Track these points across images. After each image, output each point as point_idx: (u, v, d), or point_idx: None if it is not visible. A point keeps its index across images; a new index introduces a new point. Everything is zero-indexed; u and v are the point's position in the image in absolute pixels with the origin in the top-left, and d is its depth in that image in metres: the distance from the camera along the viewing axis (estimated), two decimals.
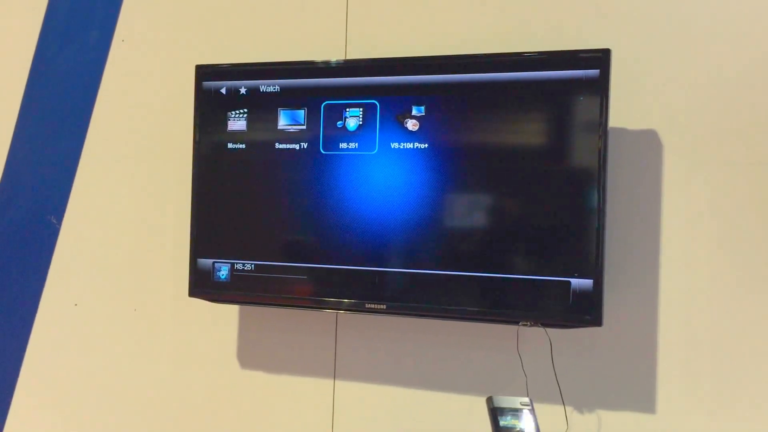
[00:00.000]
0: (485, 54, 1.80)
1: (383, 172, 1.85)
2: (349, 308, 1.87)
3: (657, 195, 1.76)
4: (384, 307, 1.83)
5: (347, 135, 1.87)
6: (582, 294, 1.67)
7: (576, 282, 1.68)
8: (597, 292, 1.66)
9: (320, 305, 1.90)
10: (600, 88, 1.68)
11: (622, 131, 1.78)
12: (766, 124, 1.68)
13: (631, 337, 1.77)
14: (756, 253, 1.68)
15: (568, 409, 1.80)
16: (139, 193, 2.24)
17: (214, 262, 1.98)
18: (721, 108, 1.72)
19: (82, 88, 2.31)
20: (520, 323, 1.72)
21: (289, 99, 1.92)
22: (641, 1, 1.78)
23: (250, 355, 2.11)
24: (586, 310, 1.67)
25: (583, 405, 1.80)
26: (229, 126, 1.97)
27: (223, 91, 1.98)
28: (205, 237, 2.00)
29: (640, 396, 1.76)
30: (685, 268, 1.74)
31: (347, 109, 1.87)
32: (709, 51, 1.73)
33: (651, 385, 1.76)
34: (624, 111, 1.77)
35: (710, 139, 1.73)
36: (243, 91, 1.96)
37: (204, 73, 2.00)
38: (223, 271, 1.97)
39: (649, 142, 1.77)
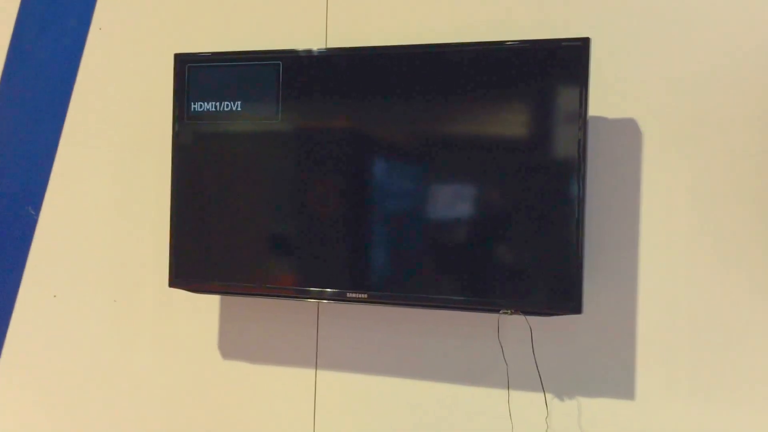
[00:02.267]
0: (464, 43, 1.80)
1: (363, 162, 1.85)
2: (330, 298, 1.86)
3: (636, 183, 1.77)
4: (366, 296, 1.83)
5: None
6: (562, 282, 1.68)
7: (556, 270, 1.69)
8: (577, 279, 1.68)
9: (302, 295, 1.89)
10: (580, 76, 1.68)
11: (601, 120, 1.79)
12: (743, 115, 1.70)
13: (610, 325, 1.78)
14: (734, 242, 1.70)
15: (548, 395, 1.81)
16: (118, 183, 2.22)
17: (194, 252, 1.97)
18: (700, 97, 1.73)
19: (60, 77, 2.28)
20: (501, 311, 1.73)
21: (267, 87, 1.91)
22: None
23: (232, 346, 2.11)
24: (566, 298, 1.69)
25: (563, 392, 1.82)
26: (206, 114, 1.96)
27: None
28: (186, 226, 1.98)
29: (619, 382, 1.78)
30: (663, 256, 1.75)
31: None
32: (687, 40, 1.74)
33: (630, 372, 1.77)
34: (603, 100, 1.78)
35: (689, 129, 1.74)
36: None
37: (183, 61, 1.99)
38: (204, 261, 1.97)
39: (628, 131, 1.78)
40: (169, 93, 2.00)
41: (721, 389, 1.71)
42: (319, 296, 1.87)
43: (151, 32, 2.19)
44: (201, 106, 1.97)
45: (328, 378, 2.01)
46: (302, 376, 2.03)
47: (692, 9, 1.73)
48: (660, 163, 1.76)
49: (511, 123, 1.76)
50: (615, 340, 1.78)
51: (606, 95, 1.77)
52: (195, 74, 1.98)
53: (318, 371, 2.02)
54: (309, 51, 1.89)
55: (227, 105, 1.95)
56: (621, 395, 1.78)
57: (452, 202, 1.78)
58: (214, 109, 1.96)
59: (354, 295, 1.84)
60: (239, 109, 1.94)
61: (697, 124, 1.73)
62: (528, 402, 1.82)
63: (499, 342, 1.80)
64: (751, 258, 1.69)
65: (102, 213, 2.23)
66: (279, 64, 1.90)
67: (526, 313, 1.73)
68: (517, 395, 1.83)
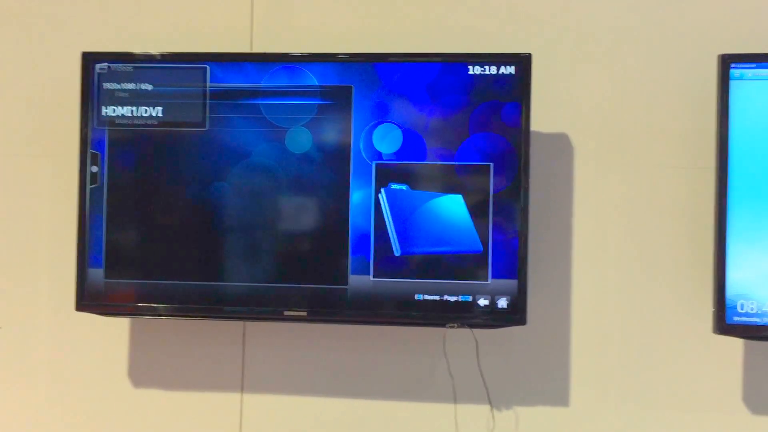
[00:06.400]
0: (401, 54, 1.77)
1: (295, 174, 1.77)
2: (266, 317, 1.77)
3: (569, 197, 1.83)
4: (305, 314, 1.75)
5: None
6: (508, 293, 1.70)
7: (502, 281, 1.70)
8: (522, 291, 1.70)
9: (233, 315, 1.78)
10: (521, 91, 1.71)
11: (534, 134, 1.82)
12: (669, 130, 1.80)
13: (546, 335, 1.82)
14: (661, 253, 1.80)
15: (487, 406, 1.82)
16: (7, 193, 1.97)
17: (105, 270, 1.79)
18: (628, 114, 1.82)
19: None
20: (447, 325, 1.72)
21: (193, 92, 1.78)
22: (552, 7, 1.84)
23: (144, 372, 1.93)
24: (511, 310, 1.70)
25: (503, 401, 1.83)
26: (120, 120, 1.79)
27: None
28: (94, 243, 1.79)
29: (555, 390, 1.82)
30: (595, 268, 1.82)
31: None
32: (617, 58, 1.82)
33: (565, 380, 1.82)
34: (536, 115, 1.81)
35: (618, 144, 1.82)
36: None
37: (92, 60, 1.80)
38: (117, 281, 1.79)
39: (560, 146, 1.84)
40: (74, 95, 1.81)
41: (647, 393, 1.80)
42: (254, 315, 1.77)
43: (52, 27, 1.96)
44: (114, 110, 1.80)
45: (256, 401, 1.90)
46: (226, 401, 1.90)
47: (623, 30, 1.82)
48: (591, 177, 1.83)
49: (450, 136, 1.74)
50: (550, 349, 1.83)
51: (539, 110, 1.81)
52: (106, 75, 1.80)
53: (244, 395, 1.90)
54: (242, 55, 1.79)
55: (146, 110, 1.79)
56: (556, 402, 1.83)
57: (401, 215, 1.74)
58: (129, 114, 1.80)
59: (292, 313, 1.75)
60: (160, 115, 1.79)
61: (626, 140, 1.82)
62: (472, 414, 1.82)
63: (445, 356, 1.79)
64: (678, 268, 1.79)
65: None
66: (206, 68, 1.78)
67: (472, 326, 1.73)
68: (462, 408, 1.82)
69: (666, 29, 1.81)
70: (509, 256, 1.71)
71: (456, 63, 1.73)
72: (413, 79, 1.74)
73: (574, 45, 1.83)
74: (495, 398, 1.82)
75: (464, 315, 1.71)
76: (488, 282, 1.71)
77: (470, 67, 1.73)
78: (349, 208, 1.74)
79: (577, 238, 1.83)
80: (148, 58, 1.80)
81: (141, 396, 1.93)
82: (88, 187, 1.78)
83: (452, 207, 1.72)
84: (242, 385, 1.90)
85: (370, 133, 1.74)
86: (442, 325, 1.73)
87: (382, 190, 1.73)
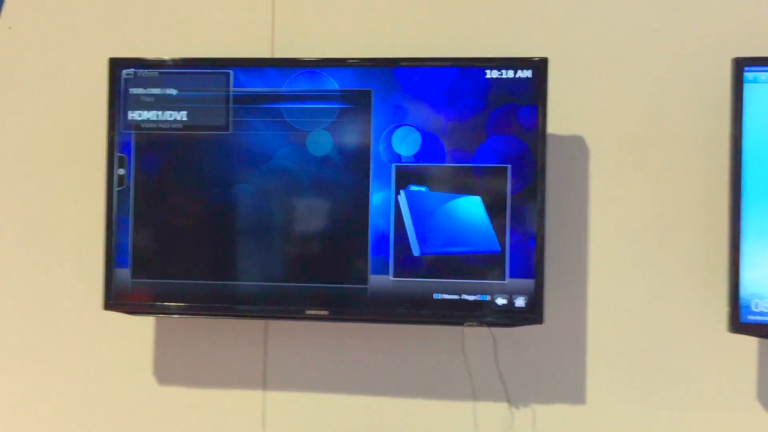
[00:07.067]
0: (419, 58, 1.81)
1: (316, 176, 1.81)
2: (288, 316, 1.81)
3: (585, 198, 1.86)
4: (327, 313, 1.79)
5: None
6: (525, 293, 1.73)
7: (519, 281, 1.74)
8: (539, 291, 1.73)
9: (256, 314, 1.83)
10: (538, 94, 1.74)
11: (551, 137, 1.85)
12: (682, 133, 1.83)
13: (562, 333, 1.86)
14: (676, 253, 1.82)
15: (505, 404, 1.85)
16: (32, 198, 2.02)
17: (131, 270, 1.84)
18: (643, 116, 1.84)
19: None
20: (465, 324, 1.75)
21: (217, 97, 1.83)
22: (568, 12, 1.87)
23: (168, 370, 1.98)
24: (528, 309, 1.74)
25: (520, 399, 1.86)
26: (146, 124, 1.84)
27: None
28: (122, 243, 1.84)
29: (571, 387, 1.85)
30: (611, 267, 1.85)
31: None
32: (632, 62, 1.85)
33: (581, 377, 1.85)
34: (553, 117, 1.84)
35: (633, 145, 1.85)
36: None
37: (119, 66, 1.85)
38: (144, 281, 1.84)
39: (576, 148, 1.87)
40: (100, 101, 1.86)
41: (662, 392, 1.83)
42: (276, 315, 1.81)
43: (79, 34, 2.02)
44: (140, 115, 1.85)
45: (278, 399, 1.94)
46: (249, 398, 1.95)
47: (638, 34, 1.85)
48: (606, 179, 1.86)
49: (468, 139, 1.77)
50: (567, 348, 1.86)
51: (555, 113, 1.84)
52: (133, 81, 1.85)
53: (266, 392, 1.94)
54: (264, 60, 1.83)
55: (171, 115, 1.84)
56: (573, 400, 1.86)
57: (421, 216, 1.78)
58: (155, 119, 1.84)
59: (314, 312, 1.79)
60: (185, 119, 1.84)
61: (641, 142, 1.84)
62: (489, 412, 1.85)
63: (464, 354, 1.82)
64: (692, 268, 1.82)
65: (12, 230, 2.03)
66: (230, 73, 1.82)
67: (490, 324, 1.76)
68: (479, 406, 1.86)
69: (680, 33, 1.83)
70: (526, 256, 1.74)
71: (473, 67, 1.76)
72: (432, 83, 1.77)
73: (589, 49, 1.86)
74: (513, 396, 1.85)
75: (482, 314, 1.74)
76: (506, 281, 1.74)
77: (487, 72, 1.76)
78: (369, 210, 1.78)
79: (592, 239, 1.86)
80: (173, 63, 1.85)
81: (166, 393, 1.98)
82: (115, 189, 1.84)
83: (470, 208, 1.76)
84: (264, 382, 1.95)
85: (389, 136, 1.78)
86: (461, 324, 1.76)
87: (402, 191, 1.77)
